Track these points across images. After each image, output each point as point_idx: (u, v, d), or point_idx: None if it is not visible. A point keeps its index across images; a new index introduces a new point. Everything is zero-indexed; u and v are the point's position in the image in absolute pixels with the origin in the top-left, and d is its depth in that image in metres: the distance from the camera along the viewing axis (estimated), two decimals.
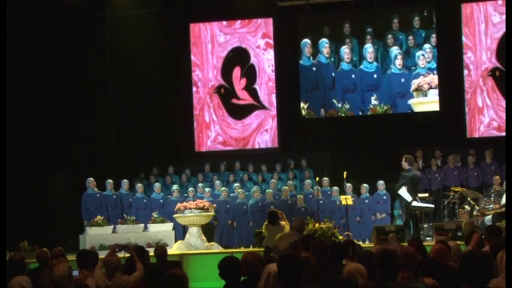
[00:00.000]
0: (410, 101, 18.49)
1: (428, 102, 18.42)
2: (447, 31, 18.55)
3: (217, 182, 17.35)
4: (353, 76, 18.71)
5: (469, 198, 15.50)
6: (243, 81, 19.25)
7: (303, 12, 18.72)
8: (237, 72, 19.28)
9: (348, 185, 16.17)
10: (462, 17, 18.34)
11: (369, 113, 18.65)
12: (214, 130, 19.30)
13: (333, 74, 18.77)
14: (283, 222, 12.87)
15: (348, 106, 18.69)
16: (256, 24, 19.29)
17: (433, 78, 18.37)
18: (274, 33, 19.07)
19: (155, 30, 18.48)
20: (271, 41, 19.15)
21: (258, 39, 19.23)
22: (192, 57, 19.35)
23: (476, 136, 18.23)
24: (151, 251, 9.34)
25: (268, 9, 18.93)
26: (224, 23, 19.41)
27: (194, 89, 19.37)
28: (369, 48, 18.58)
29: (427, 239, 13.94)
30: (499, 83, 18.00)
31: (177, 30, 19.17)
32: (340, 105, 18.71)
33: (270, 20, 19.15)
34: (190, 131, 19.22)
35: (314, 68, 18.93)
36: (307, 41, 18.89)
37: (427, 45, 18.43)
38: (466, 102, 18.26)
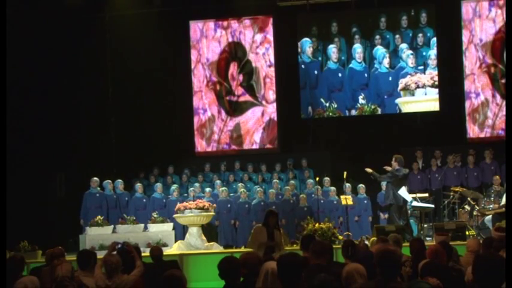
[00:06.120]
0: (398, 100, 18.51)
1: (415, 102, 18.46)
2: (447, 30, 18.55)
3: (218, 182, 17.35)
4: (340, 75, 18.73)
5: (469, 198, 15.50)
6: (240, 77, 19.21)
7: (303, 12, 18.72)
8: (233, 68, 19.23)
9: (348, 185, 16.17)
10: (463, 15, 18.34)
11: (356, 112, 18.67)
12: (209, 127, 19.26)
13: (316, 72, 18.79)
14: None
15: (336, 105, 18.70)
16: (252, 19, 19.24)
17: (420, 78, 18.39)
18: (274, 32, 19.06)
19: (155, 30, 18.48)
20: (268, 36, 19.07)
21: (254, 34, 19.19)
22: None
23: (472, 135, 18.23)
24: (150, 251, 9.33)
25: (268, 9, 18.93)
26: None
27: None
28: (357, 48, 18.59)
29: (427, 239, 13.93)
30: (494, 80, 18.03)
31: (177, 30, 19.16)
32: (327, 104, 18.72)
33: (267, 16, 19.11)
34: (190, 131, 19.21)
35: (303, 66, 18.95)
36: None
37: (403, 45, 18.41)
38: (465, 100, 18.29)
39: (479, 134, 18.21)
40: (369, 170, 14.41)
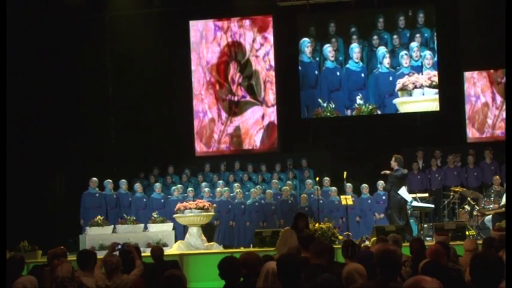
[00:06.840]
0: (395, 101, 18.51)
1: (413, 102, 18.47)
2: (447, 30, 18.54)
3: (220, 182, 17.36)
4: (338, 74, 18.72)
5: (469, 198, 15.50)
6: (239, 77, 19.20)
7: (302, 12, 18.71)
8: (233, 70, 19.22)
9: (348, 184, 16.16)
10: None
11: (354, 113, 18.67)
12: (209, 127, 19.24)
13: (316, 72, 18.79)
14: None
15: (334, 105, 18.69)
16: (252, 19, 19.24)
17: (418, 78, 18.39)
18: (274, 33, 19.05)
19: (155, 30, 18.49)
20: (267, 35, 19.05)
21: (254, 35, 19.18)
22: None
23: (471, 135, 18.22)
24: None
25: (268, 9, 18.93)
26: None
27: None
28: (355, 48, 18.59)
29: (427, 239, 13.93)
30: (492, 80, 18.03)
31: (177, 30, 19.16)
32: (325, 104, 18.71)
33: (267, 15, 19.11)
34: (190, 131, 19.20)
35: (300, 68, 18.95)
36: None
37: (414, 44, 18.44)
38: (466, 100, 18.29)
39: (479, 136, 18.19)
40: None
